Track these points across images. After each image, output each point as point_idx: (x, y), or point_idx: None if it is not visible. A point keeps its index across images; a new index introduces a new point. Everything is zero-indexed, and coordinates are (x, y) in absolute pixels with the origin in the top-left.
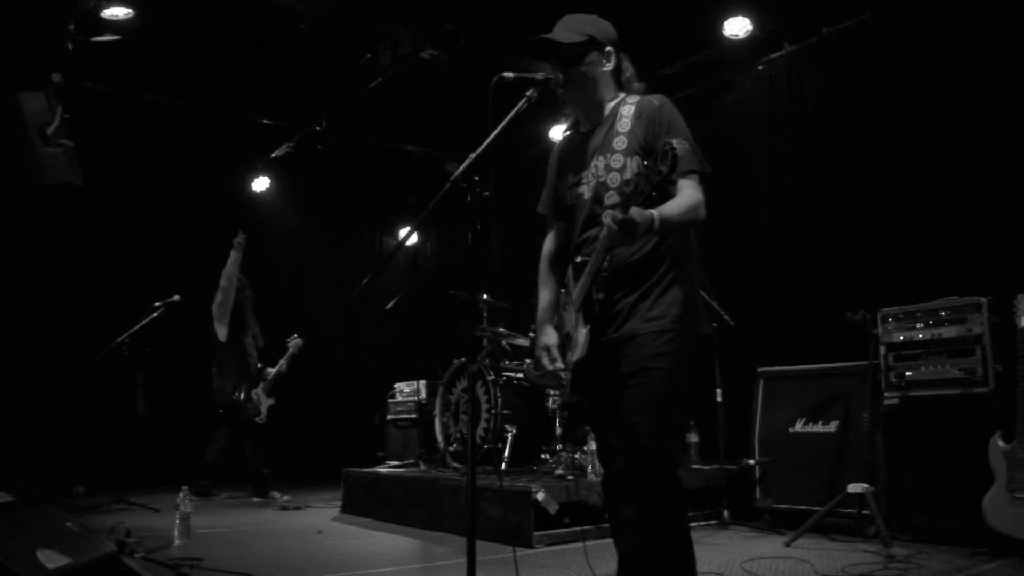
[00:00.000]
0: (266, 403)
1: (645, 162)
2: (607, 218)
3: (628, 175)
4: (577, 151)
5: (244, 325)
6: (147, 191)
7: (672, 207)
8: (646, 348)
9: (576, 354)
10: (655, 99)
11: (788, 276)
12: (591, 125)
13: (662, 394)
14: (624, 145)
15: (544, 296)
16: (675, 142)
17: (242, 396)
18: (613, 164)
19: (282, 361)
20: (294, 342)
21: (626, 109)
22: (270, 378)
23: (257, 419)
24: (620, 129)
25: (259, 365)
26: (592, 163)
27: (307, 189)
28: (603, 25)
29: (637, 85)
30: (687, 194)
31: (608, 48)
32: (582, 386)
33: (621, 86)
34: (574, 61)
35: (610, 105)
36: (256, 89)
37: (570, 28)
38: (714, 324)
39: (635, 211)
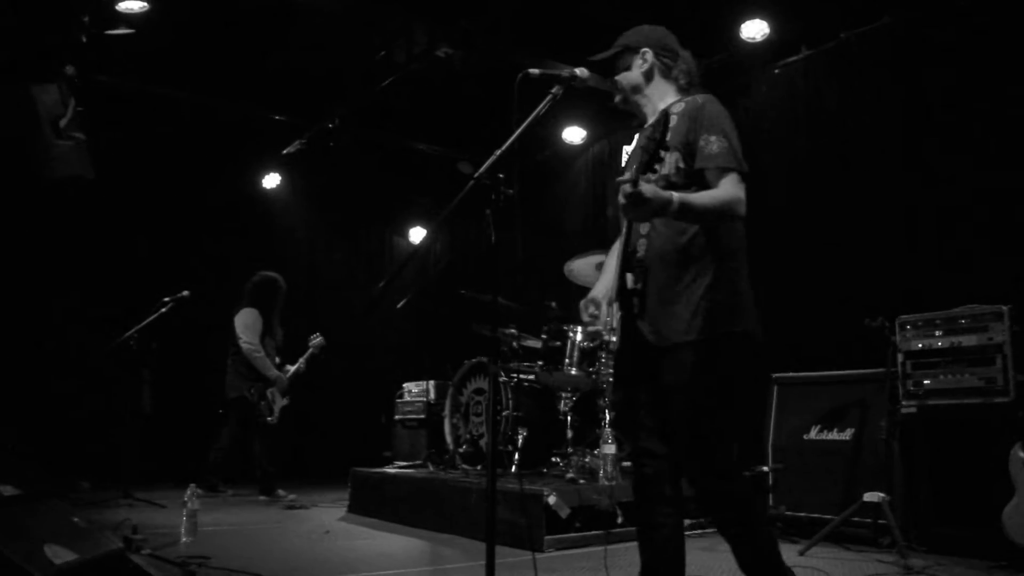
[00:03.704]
0: (280, 403)
1: (663, 153)
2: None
3: (666, 169)
4: (636, 148)
5: (270, 328)
6: (158, 186)
7: (699, 195)
8: (686, 357)
9: (615, 344)
10: (700, 97)
11: (804, 281)
12: (648, 123)
13: (702, 417)
14: (668, 139)
15: (608, 265)
16: (713, 139)
17: (256, 395)
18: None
19: (301, 361)
20: (315, 342)
21: (677, 107)
22: (287, 378)
23: (269, 419)
24: (669, 124)
25: (277, 360)
26: (641, 157)
27: (318, 186)
28: (643, 31)
29: (683, 81)
30: (722, 189)
31: (644, 49)
32: (622, 382)
33: (678, 84)
34: (614, 71)
35: (665, 103)
36: (269, 85)
37: (613, 44)
38: None
39: (646, 186)
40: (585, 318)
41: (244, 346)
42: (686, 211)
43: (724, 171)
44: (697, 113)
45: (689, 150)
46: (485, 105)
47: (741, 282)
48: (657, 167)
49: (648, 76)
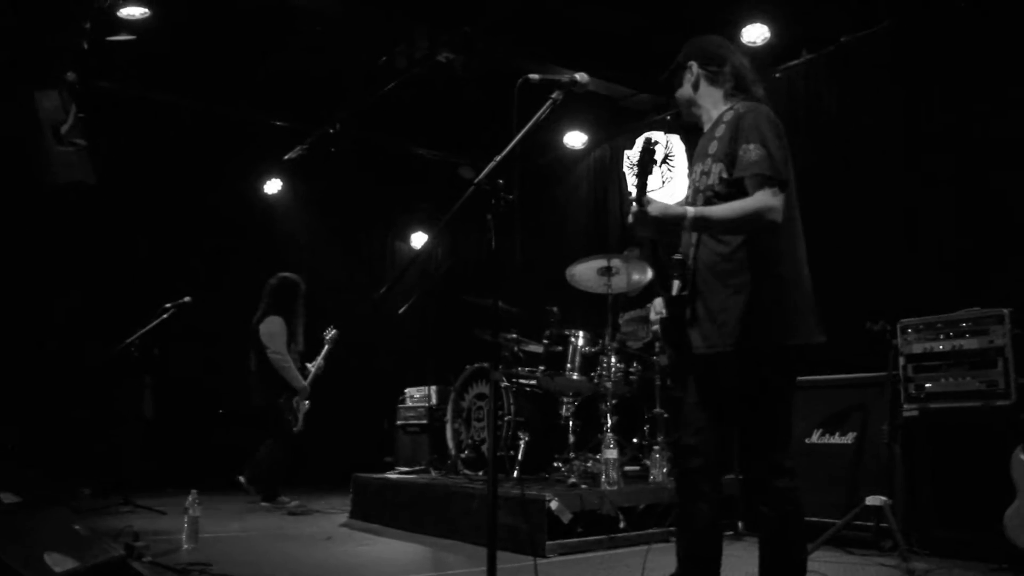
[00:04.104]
0: (303, 410)
1: (653, 168)
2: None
3: (711, 179)
4: (697, 151)
5: (293, 334)
6: (159, 191)
7: (719, 207)
8: (730, 365)
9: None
10: (742, 106)
11: None
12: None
13: (757, 420)
14: (715, 150)
15: None
16: (752, 147)
17: (284, 404)
18: (704, 168)
19: (320, 359)
20: (330, 335)
21: (727, 115)
22: (308, 380)
23: (295, 429)
24: (716, 135)
25: (300, 364)
26: (695, 167)
27: (319, 191)
28: (691, 44)
29: (728, 85)
30: (752, 198)
31: (690, 63)
32: (675, 379)
33: (724, 89)
34: (673, 89)
35: (718, 110)
36: (270, 90)
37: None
38: None
39: (654, 205)
40: (653, 316)
41: (272, 356)
42: (702, 224)
43: (759, 179)
44: (738, 122)
45: (731, 160)
46: (486, 110)
47: (786, 291)
48: (649, 184)
49: (696, 87)
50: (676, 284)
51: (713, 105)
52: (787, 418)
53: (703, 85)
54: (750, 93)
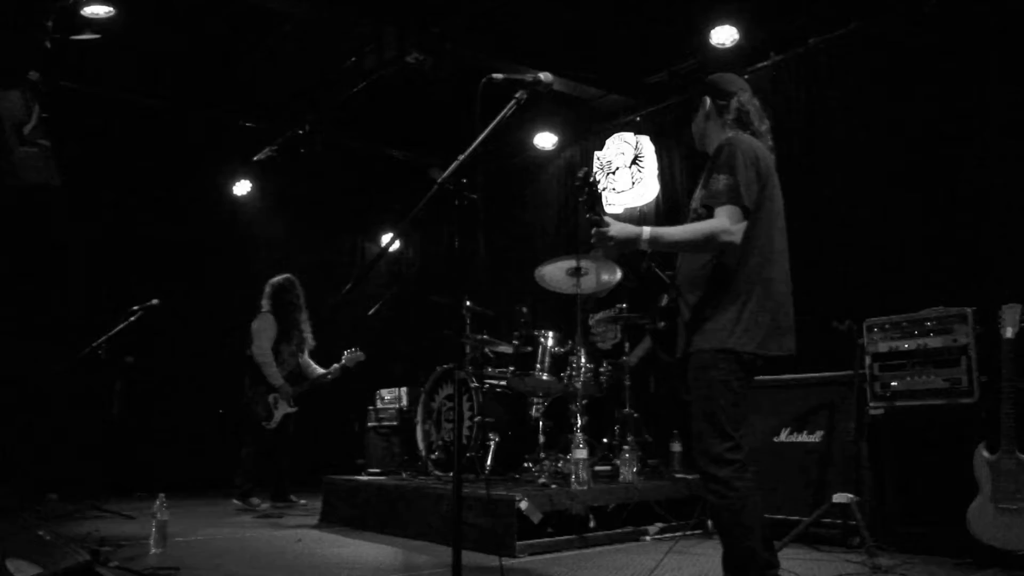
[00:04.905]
0: (282, 411)
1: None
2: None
3: (695, 204)
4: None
5: (287, 333)
6: (126, 192)
7: (676, 228)
8: (691, 370)
9: None
10: (726, 139)
11: None
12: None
13: (699, 415)
14: (703, 178)
15: None
16: (721, 177)
17: (254, 396)
18: (696, 194)
19: (326, 372)
20: (350, 355)
21: (717, 148)
22: (305, 385)
23: (265, 424)
24: (709, 165)
25: (309, 360)
26: (695, 194)
27: (288, 193)
28: (707, 80)
29: (730, 118)
30: (710, 220)
31: (704, 98)
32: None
33: (726, 122)
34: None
35: (718, 142)
36: (239, 91)
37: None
38: None
39: (614, 225)
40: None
41: (252, 351)
42: (657, 243)
43: (721, 204)
44: (718, 153)
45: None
46: (455, 110)
47: (747, 301)
48: (600, 206)
49: (706, 119)
50: (665, 297)
51: (716, 136)
52: (715, 412)
53: (712, 118)
54: (750, 128)
